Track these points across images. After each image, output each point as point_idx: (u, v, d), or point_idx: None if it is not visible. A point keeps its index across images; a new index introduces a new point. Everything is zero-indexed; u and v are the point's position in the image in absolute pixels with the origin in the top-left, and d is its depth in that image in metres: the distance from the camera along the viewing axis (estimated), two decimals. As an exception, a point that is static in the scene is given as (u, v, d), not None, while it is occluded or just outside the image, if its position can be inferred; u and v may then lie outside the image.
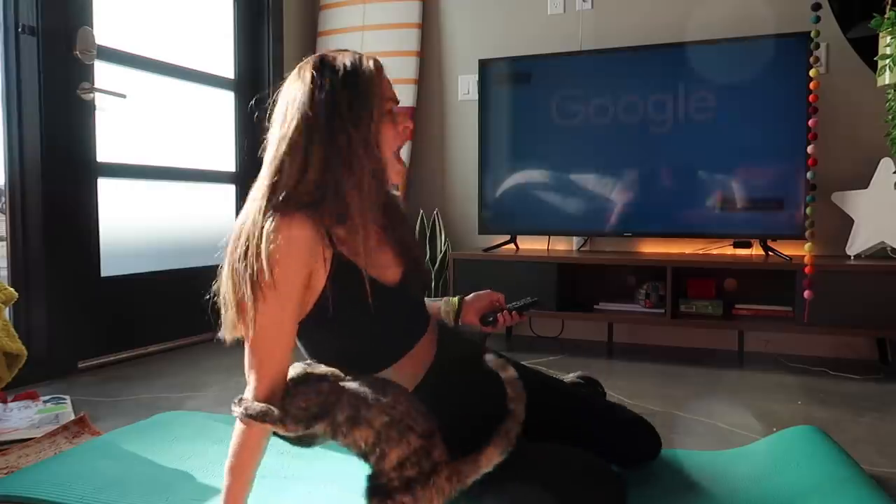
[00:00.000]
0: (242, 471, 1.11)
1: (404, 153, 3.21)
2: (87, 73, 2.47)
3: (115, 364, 2.62)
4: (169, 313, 2.87)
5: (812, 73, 2.38)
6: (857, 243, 2.63)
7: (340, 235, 1.17)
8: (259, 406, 1.06)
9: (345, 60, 1.19)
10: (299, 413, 1.05)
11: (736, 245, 2.83)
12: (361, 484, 1.42)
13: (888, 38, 2.15)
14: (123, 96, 2.58)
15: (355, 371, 1.13)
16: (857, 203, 2.63)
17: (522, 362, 1.54)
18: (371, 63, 1.21)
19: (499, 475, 1.09)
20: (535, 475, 1.15)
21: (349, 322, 1.19)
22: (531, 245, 3.17)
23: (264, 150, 1.20)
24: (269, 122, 1.20)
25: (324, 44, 3.45)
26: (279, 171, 1.14)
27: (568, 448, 1.27)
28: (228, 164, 3.26)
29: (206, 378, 2.42)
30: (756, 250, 2.81)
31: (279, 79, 1.22)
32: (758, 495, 1.35)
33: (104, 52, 2.54)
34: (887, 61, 2.15)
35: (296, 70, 1.22)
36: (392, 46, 3.34)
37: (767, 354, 2.83)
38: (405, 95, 3.31)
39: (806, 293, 2.38)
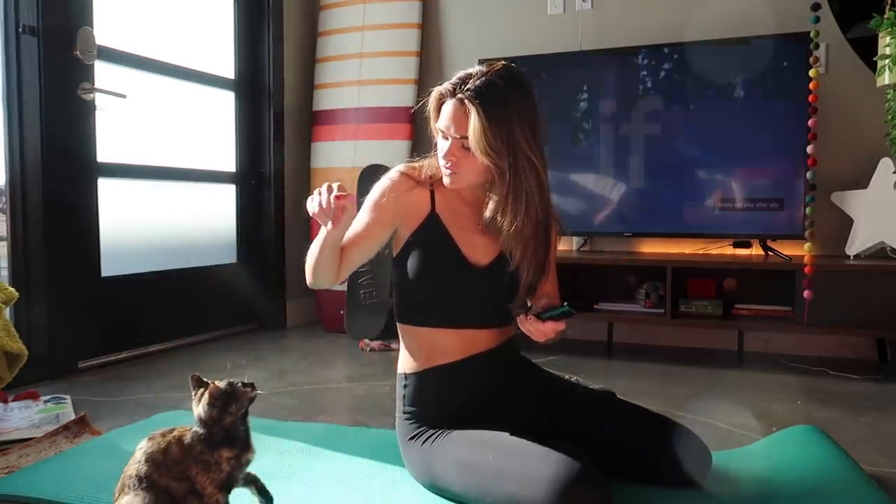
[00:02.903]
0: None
1: (403, 155, 3.23)
2: (87, 73, 2.47)
3: (115, 364, 2.62)
4: (169, 313, 2.87)
5: (812, 73, 2.39)
6: (857, 243, 2.63)
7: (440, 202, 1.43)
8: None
9: None
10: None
11: (736, 245, 2.83)
12: (361, 484, 1.43)
13: (888, 38, 2.16)
14: (123, 96, 2.58)
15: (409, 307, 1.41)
16: (856, 203, 2.63)
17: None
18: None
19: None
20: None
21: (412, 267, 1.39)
22: (531, 245, 3.16)
23: None
24: None
25: (324, 44, 3.44)
26: None
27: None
28: (228, 164, 3.26)
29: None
30: (756, 250, 2.81)
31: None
32: (758, 495, 1.35)
33: (104, 52, 2.54)
34: (887, 61, 2.15)
35: None
36: (392, 46, 3.34)
37: (767, 354, 2.83)
38: (405, 95, 3.31)
39: (806, 293, 2.39)
